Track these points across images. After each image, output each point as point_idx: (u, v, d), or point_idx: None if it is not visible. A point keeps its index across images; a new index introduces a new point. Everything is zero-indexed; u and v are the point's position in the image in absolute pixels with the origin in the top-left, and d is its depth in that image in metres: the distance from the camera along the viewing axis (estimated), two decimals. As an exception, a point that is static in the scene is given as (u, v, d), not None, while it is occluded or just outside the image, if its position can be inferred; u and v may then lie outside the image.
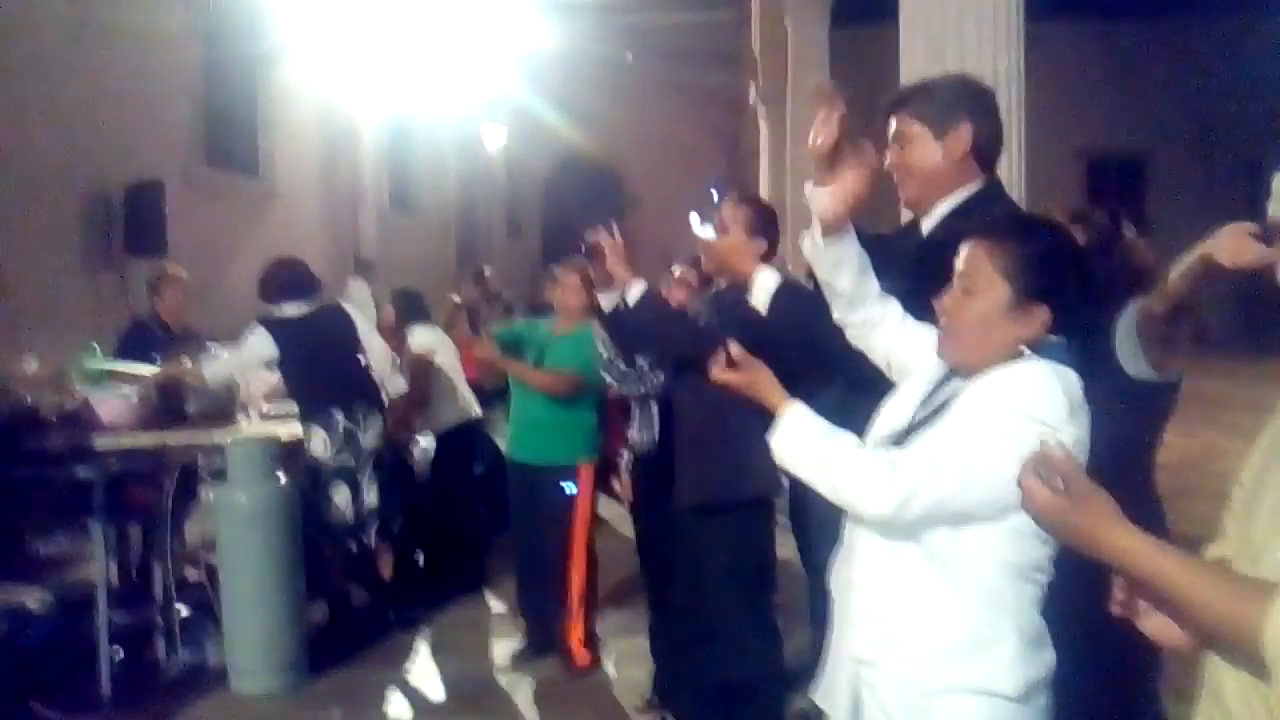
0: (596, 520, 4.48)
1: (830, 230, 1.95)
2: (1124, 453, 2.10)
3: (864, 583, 1.81)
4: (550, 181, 19.38)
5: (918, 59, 3.64)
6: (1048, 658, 1.74)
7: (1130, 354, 2.42)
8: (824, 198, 1.92)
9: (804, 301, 2.22)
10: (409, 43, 10.92)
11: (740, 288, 2.46)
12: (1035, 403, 1.62)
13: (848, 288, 1.99)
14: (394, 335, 5.30)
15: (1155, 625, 1.32)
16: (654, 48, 16.69)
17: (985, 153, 2.20)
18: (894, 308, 2.02)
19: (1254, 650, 1.10)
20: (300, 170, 10.21)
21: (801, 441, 1.80)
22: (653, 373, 3.60)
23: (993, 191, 2.21)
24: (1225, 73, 16.20)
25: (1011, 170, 3.41)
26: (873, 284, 2.01)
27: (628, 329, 3.22)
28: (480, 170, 16.28)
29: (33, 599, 4.09)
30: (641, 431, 3.70)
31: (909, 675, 1.73)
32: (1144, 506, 2.31)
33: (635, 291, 3.02)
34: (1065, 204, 2.86)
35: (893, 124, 2.23)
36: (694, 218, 5.02)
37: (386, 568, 4.93)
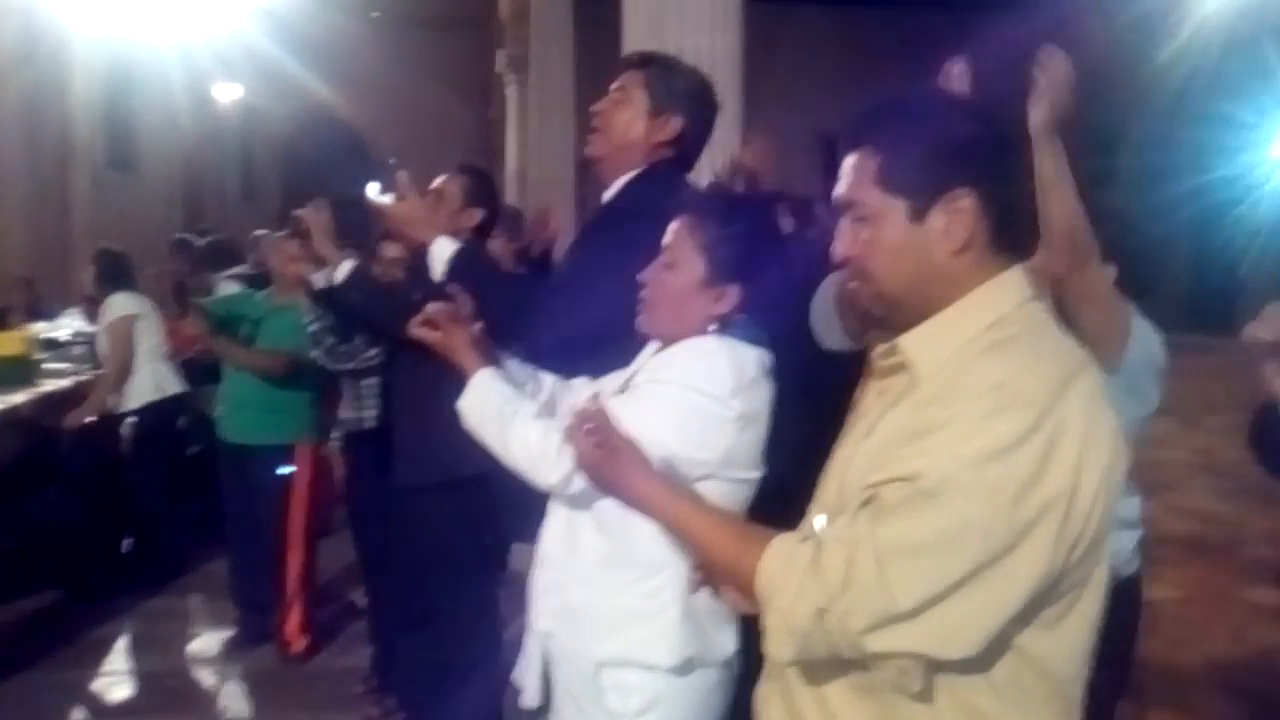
0: (325, 500, 4.26)
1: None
2: (823, 418, 2.16)
3: (547, 554, 1.84)
4: (290, 142, 18.48)
5: (640, 35, 3.62)
6: (721, 638, 1.76)
7: (825, 328, 2.50)
8: None
9: (479, 268, 2.15)
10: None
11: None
12: (699, 376, 1.67)
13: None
14: (92, 302, 4.85)
15: (730, 597, 1.37)
16: (403, 8, 16.18)
17: (685, 151, 2.19)
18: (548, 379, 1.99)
19: (749, 587, 1.24)
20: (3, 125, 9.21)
21: (484, 406, 1.81)
22: (367, 349, 3.47)
23: (671, 176, 2.18)
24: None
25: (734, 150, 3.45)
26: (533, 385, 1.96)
27: (339, 306, 3.13)
28: (211, 128, 15.29)
29: None
30: (352, 408, 3.56)
31: (581, 647, 1.76)
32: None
33: (344, 270, 3.00)
34: (797, 187, 2.94)
35: (623, 79, 2.18)
36: (372, 187, 4.86)
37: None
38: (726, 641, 1.77)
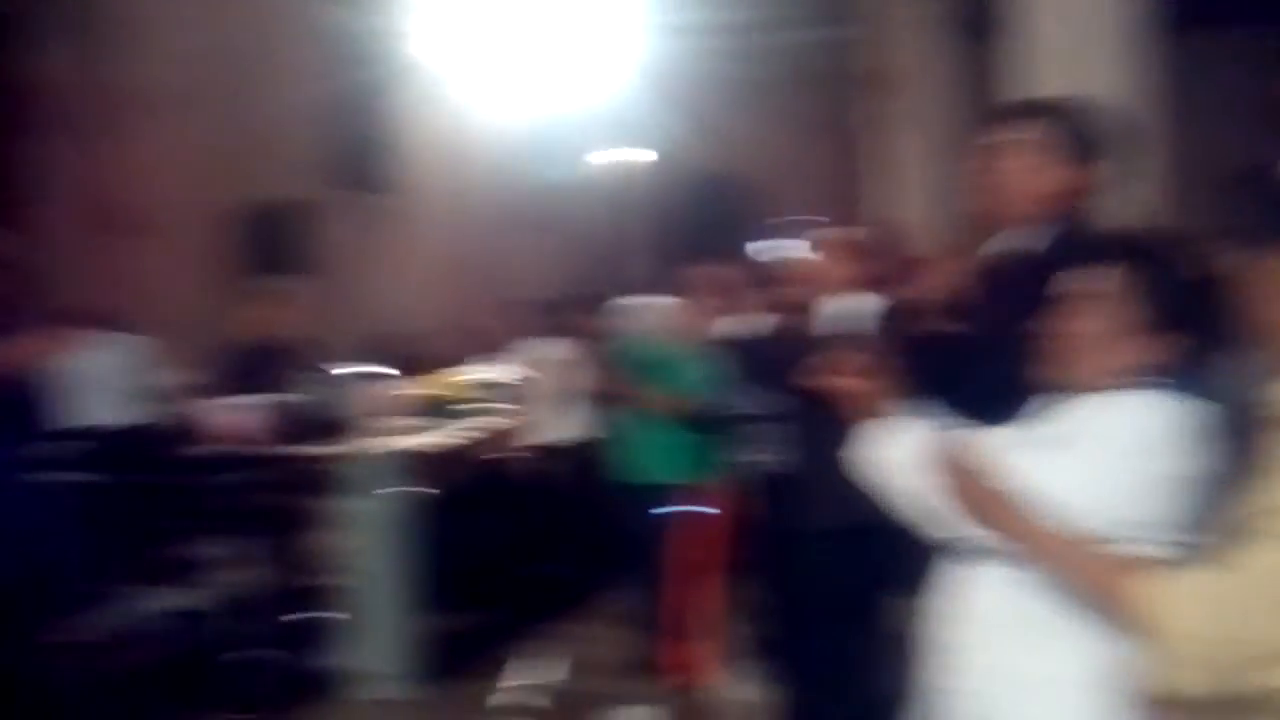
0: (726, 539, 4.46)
1: None
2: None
3: (972, 610, 1.78)
4: (678, 200, 19.35)
5: (1041, 74, 3.54)
6: None
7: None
8: None
9: (894, 321, 2.17)
10: (536, 60, 11.01)
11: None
12: (1131, 431, 1.60)
13: None
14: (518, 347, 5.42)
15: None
16: (777, 67, 16.55)
17: (1095, 199, 2.11)
18: None
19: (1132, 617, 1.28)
20: (428, 189, 10.46)
21: (885, 456, 1.82)
22: (769, 393, 3.60)
23: (1086, 225, 2.09)
24: None
25: (1152, 194, 3.28)
26: None
27: (746, 353, 3.23)
28: (617, 189, 16.33)
29: (181, 600, 4.30)
30: (754, 452, 3.69)
31: (1013, 708, 1.71)
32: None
33: (761, 320, 3.04)
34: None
35: (1024, 126, 2.11)
36: (759, 245, 4.95)
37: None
38: None
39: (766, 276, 3.47)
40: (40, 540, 3.89)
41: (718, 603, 4.33)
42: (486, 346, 6.35)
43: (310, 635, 4.50)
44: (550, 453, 5.44)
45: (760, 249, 4.60)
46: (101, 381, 4.79)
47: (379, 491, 4.26)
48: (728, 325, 3.27)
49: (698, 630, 4.30)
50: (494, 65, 10.50)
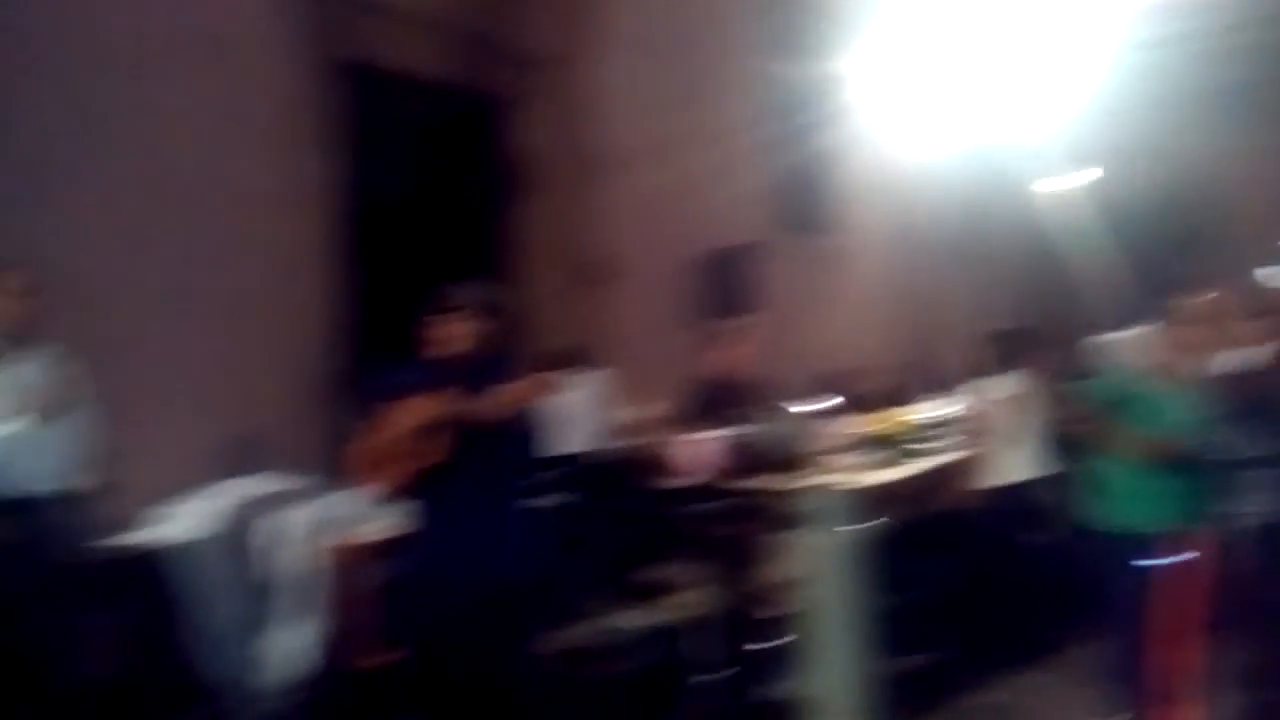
0: (1213, 596, 4.05)
1: None
2: None
3: None
4: (1138, 223, 17.92)
5: None
6: None
7: None
8: None
9: None
10: (975, 89, 10.74)
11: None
12: None
13: None
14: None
15: None
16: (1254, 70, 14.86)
17: None
18: None
19: None
20: (869, 226, 10.51)
21: None
22: (1269, 434, 3.24)
23: None
24: None
25: None
26: None
27: (1248, 390, 2.96)
28: (1066, 215, 15.49)
29: (645, 619, 4.60)
30: (1236, 500, 3.33)
31: None
32: None
33: (1256, 353, 2.81)
34: None
35: None
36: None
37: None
38: None
39: (1266, 304, 3.13)
40: (533, 558, 4.34)
41: (1201, 665, 3.92)
42: (934, 382, 6.25)
43: (765, 663, 4.63)
44: (1003, 493, 5.22)
45: (1269, 274, 4.16)
46: (577, 416, 5.27)
47: (832, 527, 4.31)
48: (1217, 359, 2.97)
49: (1180, 694, 3.91)
50: (931, 98, 10.40)
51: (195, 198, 4.97)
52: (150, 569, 4.27)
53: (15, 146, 4.32)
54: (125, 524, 4.44)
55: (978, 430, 5.28)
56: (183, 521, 4.43)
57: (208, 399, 4.94)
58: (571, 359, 5.47)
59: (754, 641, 4.67)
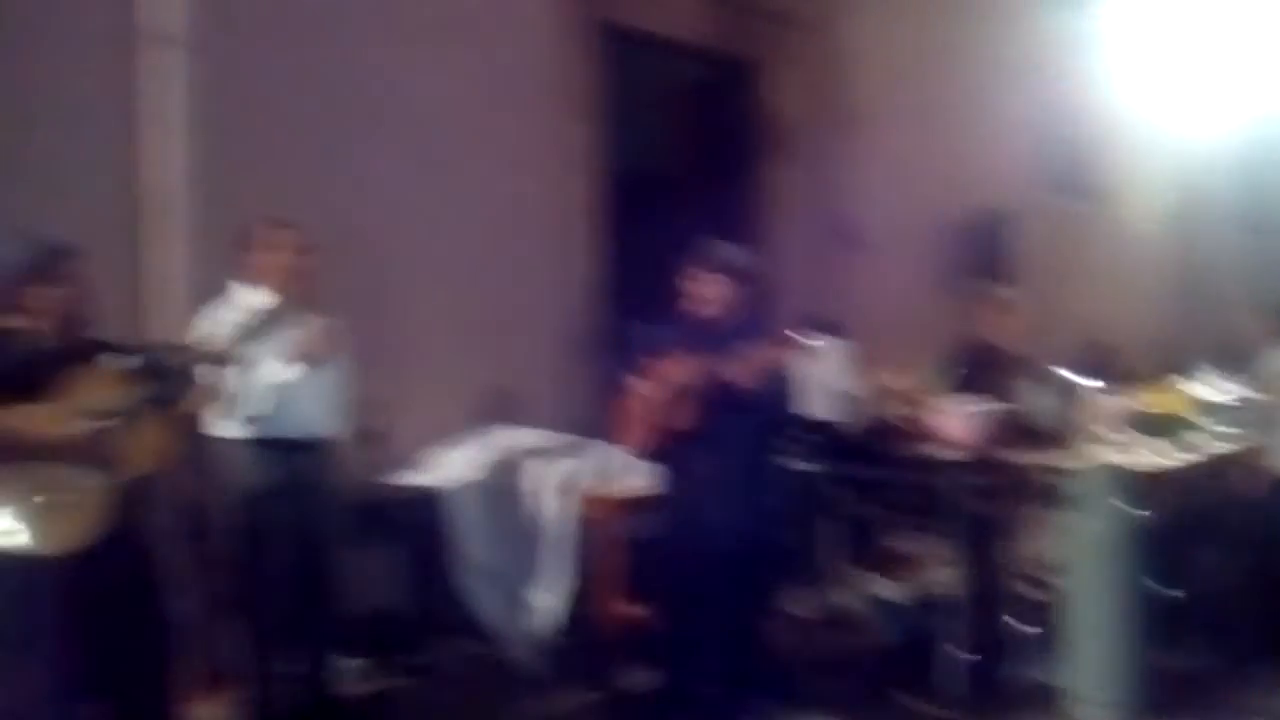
0: None
1: None
2: None
3: None
4: None
5: None
6: None
7: None
8: None
9: None
10: (1267, 52, 9.85)
11: None
12: None
13: None
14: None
15: None
16: None
17: None
18: None
19: None
20: (1141, 194, 9.85)
21: None
22: None
23: None
24: None
25: None
26: None
27: None
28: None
29: (891, 591, 4.52)
30: None
31: None
32: None
33: None
34: None
35: None
36: None
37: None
38: None
39: None
40: (781, 521, 4.34)
41: None
42: (1214, 359, 5.80)
43: (1021, 646, 4.45)
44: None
45: None
46: (828, 381, 5.20)
47: (1096, 508, 4.07)
48: None
49: None
50: (1213, 61, 9.61)
51: (465, 161, 5.18)
52: (421, 510, 4.54)
53: (308, 112, 4.62)
54: (398, 467, 4.74)
55: (1258, 413, 4.86)
56: (450, 468, 4.68)
57: (475, 354, 5.17)
58: (824, 324, 5.40)
59: (1009, 623, 4.51)
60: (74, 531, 2.90)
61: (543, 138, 5.52)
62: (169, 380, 3.17)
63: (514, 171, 5.38)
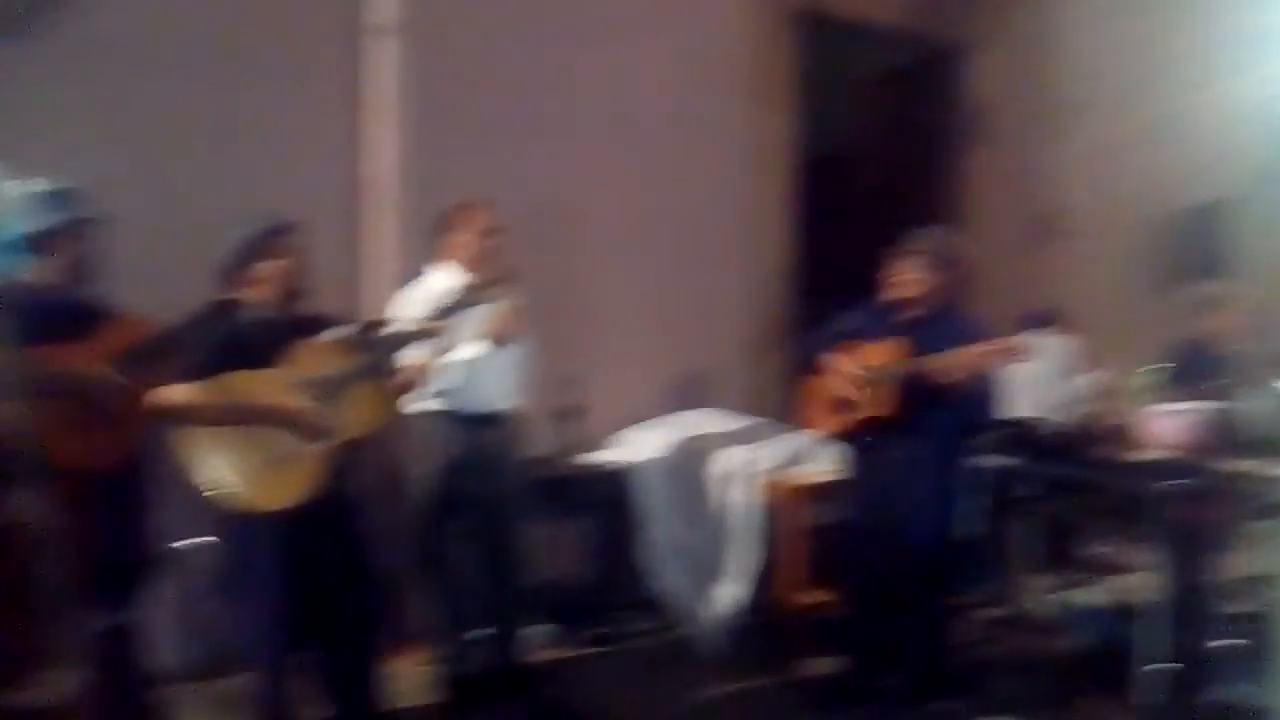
0: None
1: None
2: None
3: None
4: None
5: None
6: None
7: None
8: None
9: None
10: None
11: None
12: None
13: None
14: None
15: None
16: None
17: None
18: None
19: None
20: None
21: None
22: None
23: None
24: None
25: None
26: None
27: None
28: None
29: (1086, 595, 4.35)
30: None
31: None
32: None
33: None
34: None
35: None
36: None
37: None
38: None
39: None
40: (974, 518, 4.23)
41: None
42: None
43: (1222, 662, 4.22)
44: None
45: None
46: (1039, 380, 5.05)
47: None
48: None
49: None
50: None
51: (660, 147, 5.26)
52: (611, 487, 4.66)
53: (511, 100, 4.79)
54: (592, 445, 4.87)
55: None
56: (639, 447, 4.78)
57: (668, 338, 5.26)
58: (1043, 319, 5.25)
59: (1210, 637, 4.28)
60: (291, 491, 3.09)
61: (737, 125, 5.54)
62: (381, 354, 3.34)
63: (708, 158, 5.43)
